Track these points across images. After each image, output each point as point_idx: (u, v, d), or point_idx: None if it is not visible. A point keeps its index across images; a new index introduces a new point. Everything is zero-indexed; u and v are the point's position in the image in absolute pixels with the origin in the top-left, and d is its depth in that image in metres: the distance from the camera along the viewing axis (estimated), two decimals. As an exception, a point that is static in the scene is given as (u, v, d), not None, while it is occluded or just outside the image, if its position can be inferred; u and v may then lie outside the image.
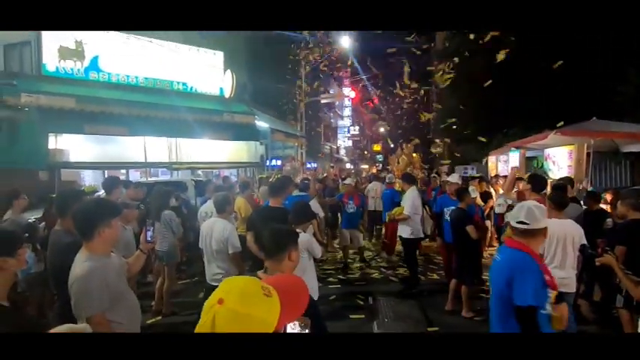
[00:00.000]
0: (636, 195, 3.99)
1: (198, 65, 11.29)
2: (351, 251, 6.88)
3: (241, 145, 12.73)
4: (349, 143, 41.90)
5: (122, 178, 8.26)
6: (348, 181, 7.18)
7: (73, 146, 8.60)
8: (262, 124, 13.08)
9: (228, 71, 11.84)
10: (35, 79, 8.60)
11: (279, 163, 14.01)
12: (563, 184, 4.56)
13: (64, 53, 9.00)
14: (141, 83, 10.09)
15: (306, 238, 3.12)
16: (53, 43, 8.80)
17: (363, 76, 24.47)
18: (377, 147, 42.19)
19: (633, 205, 3.80)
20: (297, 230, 2.98)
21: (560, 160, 6.98)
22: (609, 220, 4.15)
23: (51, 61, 8.84)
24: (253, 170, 13.65)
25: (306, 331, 1.09)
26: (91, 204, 2.21)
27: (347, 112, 38.89)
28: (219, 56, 11.76)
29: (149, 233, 2.34)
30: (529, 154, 9.17)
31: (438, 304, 4.79)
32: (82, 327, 1.36)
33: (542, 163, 8.57)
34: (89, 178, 9.79)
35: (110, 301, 1.93)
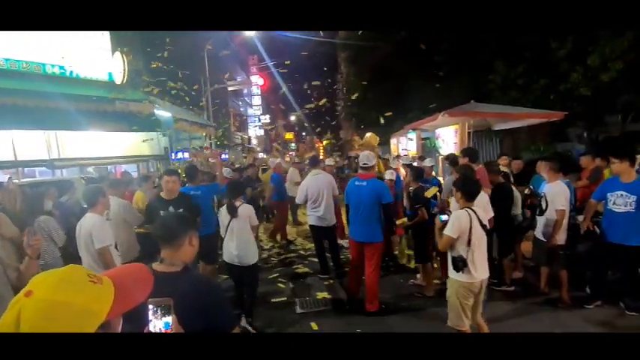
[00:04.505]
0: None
1: (77, 46, 9.72)
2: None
3: (140, 137, 11.51)
4: (261, 132, 41.25)
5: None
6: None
7: None
8: (164, 113, 11.99)
9: (117, 53, 10.48)
10: None
11: (186, 155, 13.08)
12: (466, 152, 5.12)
13: None
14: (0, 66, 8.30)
15: (247, 207, 3.86)
16: None
17: (270, 63, 24.12)
18: (289, 135, 42.45)
19: (497, 172, 4.57)
20: (237, 203, 3.83)
21: (447, 138, 7.93)
22: None
23: None
24: (157, 164, 12.53)
25: (170, 312, 1.04)
26: None
27: (257, 100, 38.06)
28: (104, 36, 10.32)
29: (32, 237, 2.00)
30: (424, 135, 10.24)
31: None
32: None
33: (435, 143, 9.65)
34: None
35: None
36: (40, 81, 8.64)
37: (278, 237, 7.45)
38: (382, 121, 10.44)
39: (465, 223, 2.84)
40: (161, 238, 1.66)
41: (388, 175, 5.55)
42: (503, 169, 5.23)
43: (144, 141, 10.99)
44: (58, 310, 0.75)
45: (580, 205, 4.75)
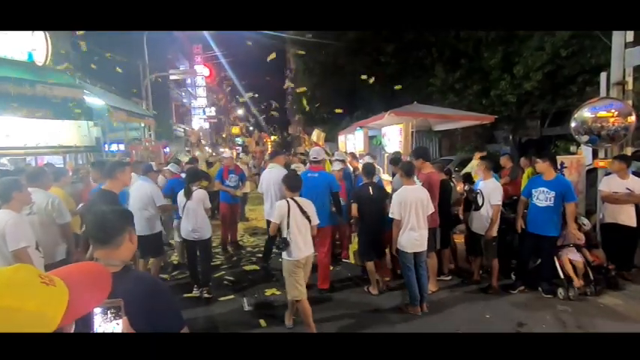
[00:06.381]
0: (442, 163, 5.15)
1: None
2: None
3: (67, 126, 10.35)
4: (206, 125, 39.38)
5: None
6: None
7: None
8: (96, 100, 10.91)
9: (40, 31, 9.30)
10: None
11: (122, 147, 12.03)
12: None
13: None
14: None
15: (201, 192, 4.54)
16: None
17: (218, 53, 23.10)
18: (236, 129, 41.10)
19: (439, 168, 4.88)
20: (193, 188, 4.50)
21: (392, 136, 8.27)
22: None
23: None
24: (87, 156, 11.39)
25: (121, 313, 0.99)
26: None
27: (201, 91, 36.28)
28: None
29: None
30: (370, 133, 10.57)
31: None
32: None
33: (380, 140, 10.01)
34: None
35: None
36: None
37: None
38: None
39: (283, 211, 3.44)
40: (98, 237, 1.49)
41: (336, 166, 5.65)
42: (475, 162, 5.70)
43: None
44: (5, 317, 0.64)
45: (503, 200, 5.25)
